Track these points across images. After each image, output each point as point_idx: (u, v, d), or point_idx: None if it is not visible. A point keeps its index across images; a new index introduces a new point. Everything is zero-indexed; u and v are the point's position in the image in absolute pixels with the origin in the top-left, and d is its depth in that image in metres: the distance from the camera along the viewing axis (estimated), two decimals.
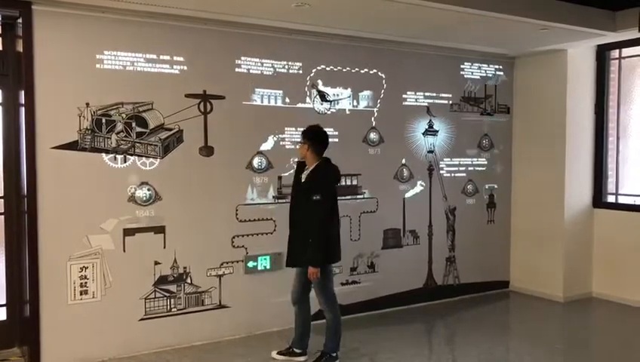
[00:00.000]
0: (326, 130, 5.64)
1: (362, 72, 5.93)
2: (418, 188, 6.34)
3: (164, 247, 4.95)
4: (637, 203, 6.45)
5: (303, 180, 4.58)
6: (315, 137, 4.54)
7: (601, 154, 6.71)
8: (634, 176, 6.55)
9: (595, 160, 6.74)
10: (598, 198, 6.74)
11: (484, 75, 6.80)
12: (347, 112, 5.85)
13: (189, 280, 5.07)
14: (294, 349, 4.77)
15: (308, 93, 5.62)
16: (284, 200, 5.48)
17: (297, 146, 4.78)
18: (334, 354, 4.61)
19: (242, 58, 5.25)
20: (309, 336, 4.77)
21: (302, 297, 4.68)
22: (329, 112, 5.74)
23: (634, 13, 5.07)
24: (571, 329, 5.90)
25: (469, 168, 6.77)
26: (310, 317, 4.76)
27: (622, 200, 6.65)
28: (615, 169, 6.69)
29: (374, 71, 6.00)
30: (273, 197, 5.46)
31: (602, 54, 6.64)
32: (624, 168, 6.67)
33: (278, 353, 4.81)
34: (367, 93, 5.97)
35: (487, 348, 5.10)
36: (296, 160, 4.92)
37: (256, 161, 5.36)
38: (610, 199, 6.73)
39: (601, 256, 6.70)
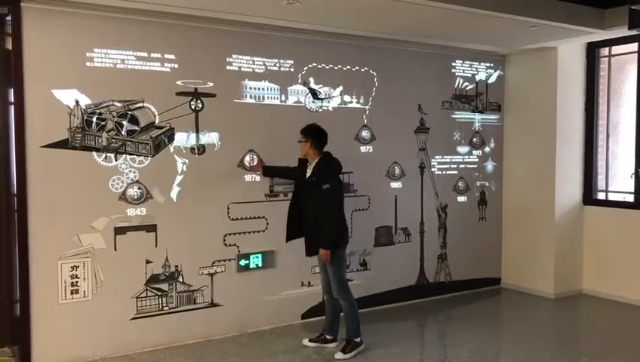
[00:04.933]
0: None
1: (354, 69, 5.93)
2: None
3: (156, 246, 4.93)
4: (627, 200, 6.49)
5: (309, 174, 4.83)
6: (316, 134, 4.83)
7: (591, 151, 6.75)
8: (623, 173, 6.59)
9: (585, 157, 6.78)
10: (589, 195, 6.78)
11: (475, 72, 6.83)
12: (339, 110, 5.85)
13: (180, 279, 5.05)
14: (326, 336, 5.00)
15: (299, 91, 5.62)
16: (275, 198, 5.49)
17: (299, 145, 4.91)
18: (358, 340, 4.84)
19: (233, 56, 5.24)
20: (338, 324, 5.01)
21: (329, 287, 4.89)
22: (321, 110, 5.74)
23: (624, 11, 5.09)
24: (562, 326, 5.94)
25: (461, 165, 6.80)
26: (339, 306, 4.94)
27: (612, 197, 6.70)
28: (605, 166, 6.74)
29: (366, 69, 6.00)
30: (265, 195, 5.45)
31: (592, 52, 6.68)
32: (614, 165, 6.71)
33: (310, 340, 5.04)
34: (358, 90, 5.97)
35: (478, 345, 5.13)
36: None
37: (247, 159, 5.35)
38: (600, 196, 6.78)
39: (591, 253, 6.75)
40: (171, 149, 4.97)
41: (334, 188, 4.72)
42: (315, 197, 4.72)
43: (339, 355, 4.74)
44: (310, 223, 4.81)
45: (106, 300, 4.73)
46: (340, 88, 5.85)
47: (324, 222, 4.66)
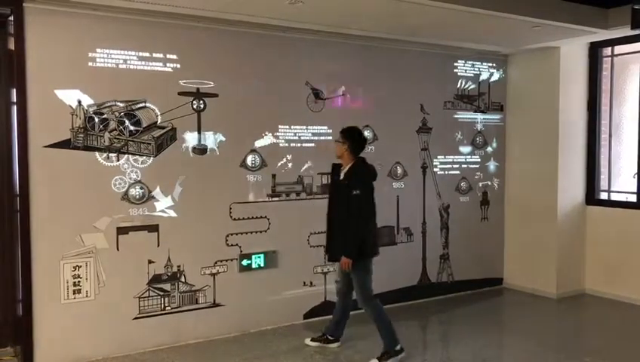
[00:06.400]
0: (319, 128, 5.72)
1: (356, 69, 5.92)
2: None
3: (158, 246, 4.93)
4: (629, 200, 6.48)
5: (341, 178, 4.70)
6: (354, 138, 4.68)
7: (594, 151, 6.73)
8: (626, 173, 6.58)
9: (587, 157, 6.77)
10: (591, 195, 6.77)
11: (477, 72, 6.82)
12: (340, 110, 5.84)
13: (183, 279, 5.06)
14: (328, 336, 4.95)
15: (302, 91, 5.62)
16: (277, 199, 5.49)
17: (335, 145, 4.81)
18: (398, 348, 4.64)
19: (235, 56, 5.24)
20: (344, 326, 4.97)
21: (345, 291, 4.88)
22: (322, 110, 5.74)
23: (626, 11, 5.08)
24: (564, 326, 5.93)
25: (463, 165, 6.79)
26: (349, 309, 4.93)
27: (614, 197, 6.68)
28: (607, 166, 6.72)
29: (368, 68, 6.00)
30: (267, 195, 5.45)
31: (595, 52, 6.67)
32: (616, 165, 6.70)
33: (312, 339, 5.00)
34: (360, 90, 5.97)
35: (481, 345, 5.12)
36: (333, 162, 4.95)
37: (249, 159, 5.35)
38: (603, 196, 6.76)
39: (593, 253, 6.74)
40: (173, 149, 4.97)
41: (365, 195, 4.57)
42: (343, 202, 4.59)
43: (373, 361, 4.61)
44: (335, 228, 4.70)
45: (108, 300, 4.73)
46: (342, 88, 5.84)
47: (349, 230, 4.53)
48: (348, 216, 4.55)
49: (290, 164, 5.56)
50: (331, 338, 4.98)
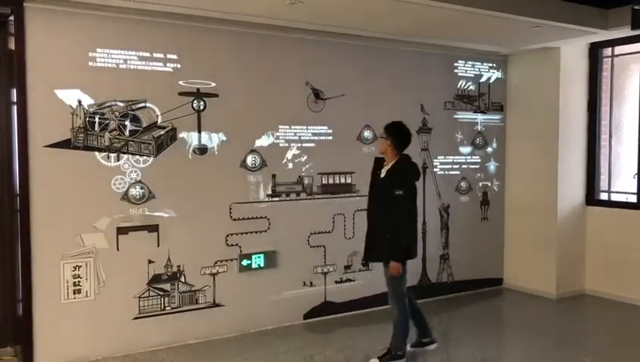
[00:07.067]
0: (319, 128, 5.72)
1: (356, 69, 5.92)
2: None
3: (158, 246, 4.93)
4: (629, 200, 6.48)
5: (382, 176, 4.57)
6: (398, 133, 4.52)
7: (594, 151, 6.73)
8: (626, 174, 6.58)
9: (587, 157, 6.77)
10: (591, 196, 6.77)
11: (477, 72, 6.82)
12: (341, 110, 5.84)
13: (182, 279, 5.06)
14: (422, 340, 4.82)
15: (302, 91, 5.62)
16: (278, 199, 5.49)
17: (379, 140, 4.72)
18: (400, 353, 4.57)
19: (235, 56, 5.24)
20: (426, 322, 4.82)
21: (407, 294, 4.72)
22: (323, 110, 5.74)
23: (627, 11, 5.08)
24: (564, 326, 5.93)
25: (463, 166, 6.79)
26: (417, 307, 4.77)
27: (614, 197, 6.68)
28: (607, 166, 6.72)
29: (367, 68, 6.00)
30: (267, 195, 5.45)
31: (595, 52, 6.66)
32: (616, 166, 6.70)
33: (412, 346, 4.81)
34: (360, 90, 5.97)
35: (480, 345, 5.12)
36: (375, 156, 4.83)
37: (249, 159, 5.35)
38: (603, 196, 6.76)
39: (593, 253, 6.74)
40: (174, 149, 4.97)
41: (408, 196, 4.43)
42: (384, 202, 4.45)
43: (374, 361, 4.57)
44: (374, 228, 4.57)
45: (108, 300, 4.73)
46: (343, 88, 5.84)
47: (395, 233, 4.39)
48: (391, 217, 4.41)
49: (290, 164, 5.56)
50: (425, 341, 4.83)
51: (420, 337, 4.85)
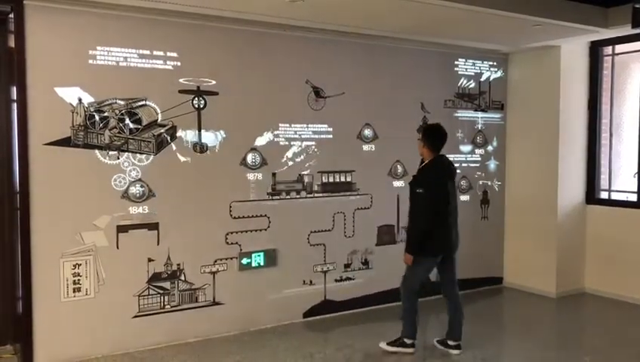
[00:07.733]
0: (320, 126, 5.71)
1: (356, 67, 5.91)
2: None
3: (158, 244, 4.93)
4: (629, 199, 6.48)
5: (414, 175, 4.82)
6: (430, 135, 4.74)
7: (594, 150, 6.73)
8: (626, 172, 6.58)
9: (588, 156, 6.76)
10: (591, 194, 6.76)
11: (478, 71, 6.82)
12: (341, 108, 5.83)
13: (182, 277, 5.05)
14: (448, 341, 4.93)
15: (302, 89, 5.61)
16: (278, 197, 5.48)
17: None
18: (408, 342, 4.79)
19: (236, 54, 5.23)
20: (460, 325, 4.89)
21: (445, 290, 4.95)
22: (323, 109, 5.73)
23: (627, 10, 5.08)
24: (564, 325, 5.93)
25: (463, 164, 6.78)
26: (458, 305, 4.92)
27: (614, 196, 6.68)
28: (608, 165, 6.72)
29: (368, 66, 5.99)
30: (267, 193, 5.44)
31: (595, 51, 6.66)
32: (617, 164, 6.70)
33: (438, 341, 5.00)
34: (361, 89, 5.96)
35: (480, 344, 5.12)
36: None
37: (250, 158, 5.35)
38: (603, 195, 6.76)
39: (593, 252, 6.74)
40: (174, 147, 4.97)
41: (428, 194, 4.58)
42: (410, 199, 4.73)
43: (382, 344, 4.79)
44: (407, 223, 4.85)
45: (107, 298, 4.73)
46: (343, 86, 5.83)
47: (412, 227, 4.69)
48: (412, 213, 4.69)
49: (290, 163, 5.55)
50: (451, 344, 4.90)
51: (448, 337, 4.93)
